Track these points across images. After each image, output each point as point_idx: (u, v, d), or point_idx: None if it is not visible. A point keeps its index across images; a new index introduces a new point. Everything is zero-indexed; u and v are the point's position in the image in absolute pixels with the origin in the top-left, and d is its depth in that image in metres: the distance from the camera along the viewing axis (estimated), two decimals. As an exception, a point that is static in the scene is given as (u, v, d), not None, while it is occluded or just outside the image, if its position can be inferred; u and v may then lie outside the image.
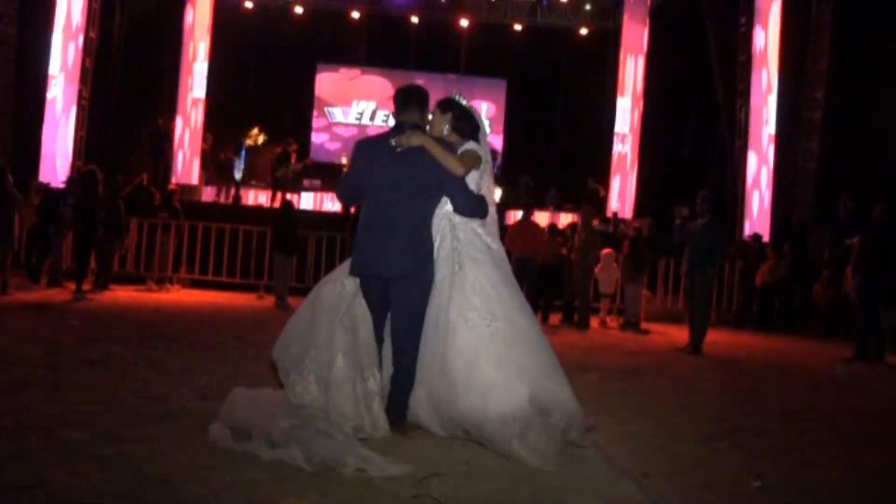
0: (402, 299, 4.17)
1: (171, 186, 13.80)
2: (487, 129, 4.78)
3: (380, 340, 4.25)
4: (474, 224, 4.25)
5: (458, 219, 4.25)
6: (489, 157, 4.45)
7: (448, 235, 4.19)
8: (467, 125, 4.37)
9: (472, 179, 4.26)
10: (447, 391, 3.95)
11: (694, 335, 9.21)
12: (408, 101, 4.37)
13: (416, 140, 4.10)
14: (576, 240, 11.99)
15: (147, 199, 13.65)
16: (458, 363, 3.93)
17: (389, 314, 4.26)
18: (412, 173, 4.15)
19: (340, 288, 4.32)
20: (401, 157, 4.13)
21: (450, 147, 4.24)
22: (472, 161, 4.22)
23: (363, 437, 3.97)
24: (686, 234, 9.61)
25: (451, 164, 4.11)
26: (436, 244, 4.22)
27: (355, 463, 3.52)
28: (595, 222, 16.02)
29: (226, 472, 3.43)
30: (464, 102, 4.43)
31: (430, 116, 4.48)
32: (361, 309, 4.25)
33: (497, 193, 4.56)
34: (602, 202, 18.42)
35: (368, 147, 4.43)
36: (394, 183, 4.18)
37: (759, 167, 16.29)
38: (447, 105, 4.41)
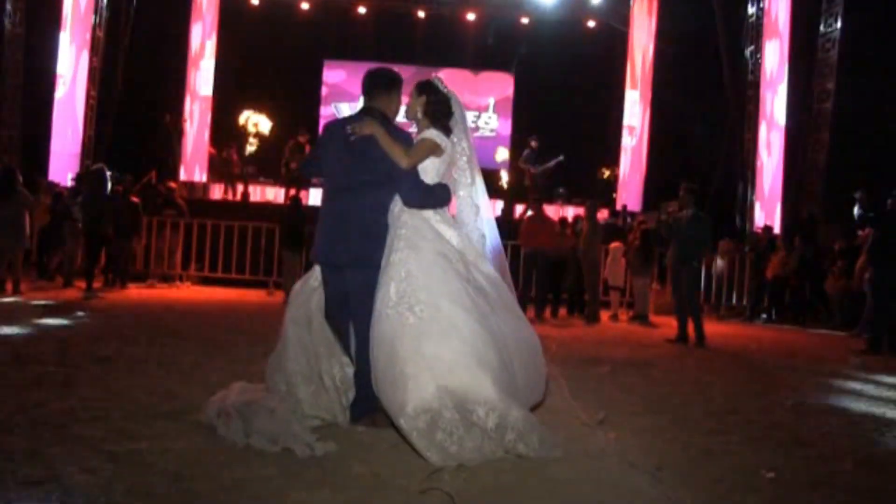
0: (354, 287, 4.11)
1: (171, 184, 13.73)
2: (477, 117, 4.63)
3: (345, 330, 4.19)
4: (427, 212, 4.10)
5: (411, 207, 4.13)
6: (466, 145, 4.29)
7: (396, 222, 4.08)
8: (439, 110, 4.22)
9: (432, 167, 4.14)
10: (374, 383, 3.88)
11: (682, 328, 9.20)
12: (373, 87, 4.32)
13: (367, 129, 4.04)
14: (570, 233, 11.98)
15: (153, 197, 13.69)
16: (380, 354, 3.81)
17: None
18: (363, 161, 4.10)
19: (305, 282, 4.43)
20: (354, 144, 4.08)
21: (402, 137, 4.15)
22: (425, 151, 4.10)
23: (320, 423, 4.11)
24: (671, 227, 9.50)
25: (396, 155, 4.01)
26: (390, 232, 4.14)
27: (285, 441, 3.71)
28: (604, 215, 16.04)
29: (237, 469, 3.43)
30: (442, 87, 4.27)
31: (403, 101, 4.40)
32: (318, 300, 4.29)
33: (478, 183, 4.25)
34: (612, 188, 18.42)
35: (328, 131, 4.40)
36: (345, 170, 4.17)
37: (769, 158, 16.21)
38: (422, 88, 4.26)
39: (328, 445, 3.74)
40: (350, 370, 4.21)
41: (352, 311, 4.13)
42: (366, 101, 4.34)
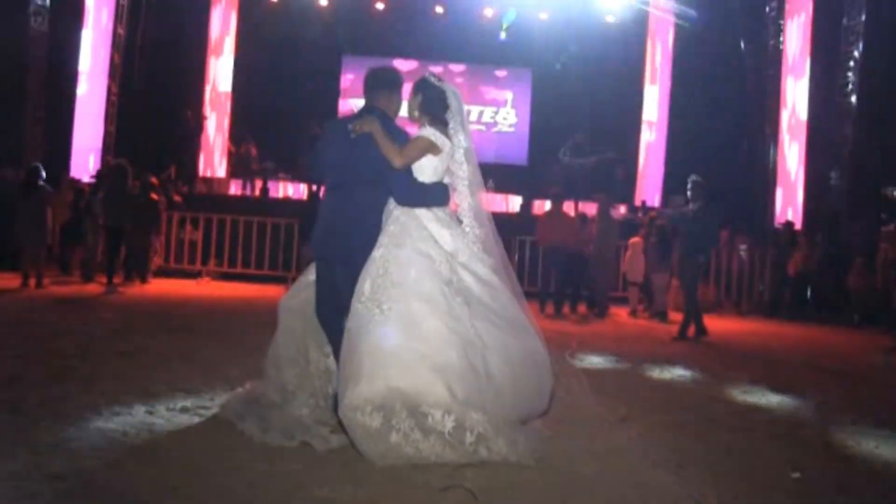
0: (342, 282, 4.10)
1: (152, 179, 13.29)
2: (468, 112, 4.51)
3: (329, 323, 4.18)
4: (420, 210, 4.05)
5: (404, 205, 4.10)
6: (463, 137, 4.20)
7: (388, 219, 4.06)
8: (433, 105, 4.18)
9: (429, 166, 4.09)
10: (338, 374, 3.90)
11: (688, 322, 9.12)
12: (374, 86, 4.33)
13: (367, 126, 4.04)
14: (593, 229, 11.91)
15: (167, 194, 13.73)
16: (345, 346, 3.80)
17: None
18: (361, 159, 4.10)
19: (305, 274, 4.52)
20: (354, 142, 4.08)
21: (400, 136, 4.12)
22: (418, 150, 4.06)
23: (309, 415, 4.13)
24: (678, 220, 9.40)
25: (390, 154, 3.99)
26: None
27: (301, 435, 3.80)
28: (622, 211, 15.95)
29: (259, 463, 3.44)
30: (436, 81, 4.23)
31: (396, 98, 4.38)
32: (311, 292, 4.33)
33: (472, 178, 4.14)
34: (631, 183, 18.33)
35: (331, 127, 4.45)
36: (343, 166, 4.18)
37: (791, 153, 16.06)
38: (417, 87, 4.24)
39: (343, 438, 3.76)
40: (332, 362, 4.22)
41: (338, 305, 4.11)
42: (367, 100, 4.34)
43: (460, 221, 4.18)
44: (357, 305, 3.82)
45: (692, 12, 17.11)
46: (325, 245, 4.24)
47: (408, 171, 4.08)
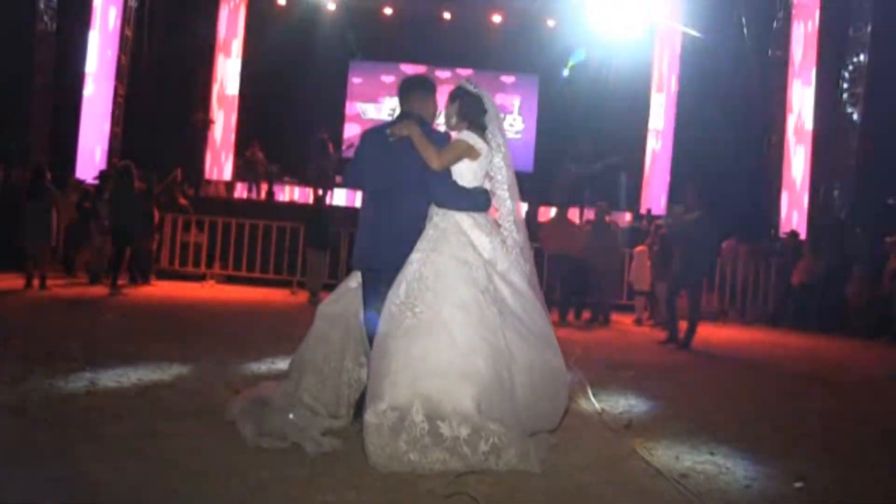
0: (385, 290, 4.05)
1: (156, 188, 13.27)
2: (503, 118, 4.49)
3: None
4: (461, 216, 4.05)
5: (442, 209, 4.09)
6: (502, 142, 4.22)
7: (428, 224, 4.06)
8: (471, 110, 4.17)
9: (468, 170, 4.09)
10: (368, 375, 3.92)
11: (673, 330, 9.12)
12: (409, 91, 4.35)
13: (405, 130, 4.04)
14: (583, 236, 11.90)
15: (173, 197, 13.76)
16: (376, 348, 3.82)
17: None
18: (403, 164, 4.09)
19: (346, 281, 4.50)
20: (394, 148, 4.08)
21: (437, 138, 4.14)
22: (457, 152, 4.05)
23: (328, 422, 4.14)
24: (678, 229, 9.38)
25: (428, 155, 3.99)
26: None
27: (293, 437, 3.80)
28: (626, 219, 15.94)
29: (263, 469, 3.44)
30: (472, 88, 4.23)
31: (431, 102, 4.38)
32: (350, 301, 4.34)
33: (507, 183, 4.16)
34: (636, 191, 18.34)
35: (368, 136, 4.42)
36: (383, 173, 4.18)
37: (797, 164, 16.05)
38: (455, 94, 4.24)
39: (336, 442, 3.79)
40: (366, 372, 4.21)
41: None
42: (402, 107, 4.36)
43: (499, 227, 4.18)
44: (391, 308, 3.83)
45: (696, 33, 17.15)
46: (371, 255, 4.23)
47: (447, 174, 4.08)
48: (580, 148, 15.91)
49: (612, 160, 15.39)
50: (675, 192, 17.70)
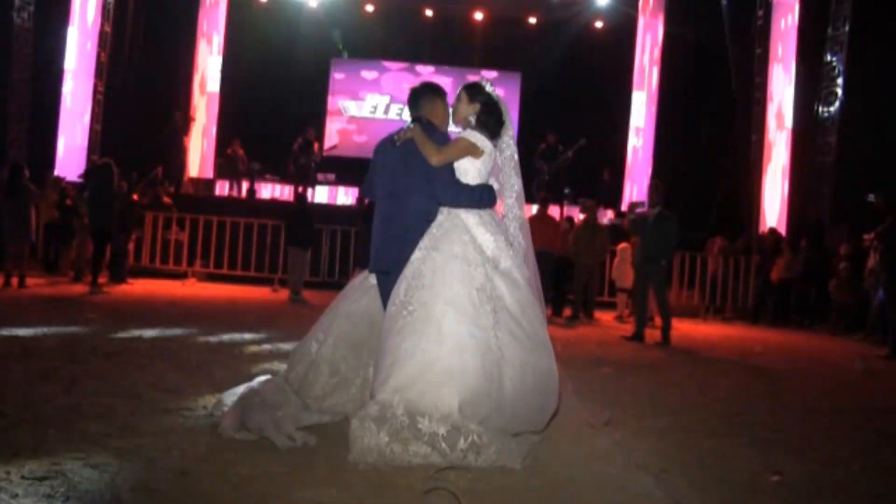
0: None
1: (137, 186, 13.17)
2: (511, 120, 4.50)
3: None
4: (466, 213, 4.06)
5: (447, 208, 4.12)
6: (515, 155, 4.25)
7: (434, 224, 4.09)
8: (491, 119, 4.17)
9: (472, 168, 4.10)
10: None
11: (639, 326, 9.23)
12: (416, 98, 4.41)
13: (409, 133, 4.10)
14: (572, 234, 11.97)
15: (156, 195, 13.68)
16: (377, 351, 3.92)
17: None
18: (409, 166, 4.15)
19: (364, 278, 4.53)
20: (400, 152, 4.15)
21: (441, 138, 4.18)
22: (457, 150, 4.08)
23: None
24: (637, 225, 9.46)
25: (427, 152, 4.04)
26: None
27: (267, 431, 3.79)
28: (609, 216, 16.00)
29: (243, 466, 3.43)
30: (490, 90, 4.23)
31: (440, 105, 4.40)
32: (371, 301, 4.39)
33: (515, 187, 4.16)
34: (618, 188, 18.39)
35: (379, 146, 4.49)
36: (391, 176, 4.27)
37: (776, 161, 16.17)
38: (475, 92, 4.22)
39: (310, 438, 3.80)
40: (356, 372, 4.34)
41: None
42: (412, 113, 4.41)
43: (506, 228, 4.18)
44: (391, 308, 3.89)
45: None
46: (381, 256, 4.29)
47: (450, 172, 4.11)
48: (548, 142, 15.93)
49: (579, 144, 15.37)
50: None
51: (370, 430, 3.55)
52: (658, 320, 10.70)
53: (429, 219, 4.12)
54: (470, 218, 4.05)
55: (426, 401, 3.60)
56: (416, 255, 3.98)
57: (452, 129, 4.42)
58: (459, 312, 3.77)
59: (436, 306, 3.78)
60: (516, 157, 4.26)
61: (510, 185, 4.23)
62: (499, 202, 4.24)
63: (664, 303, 9.23)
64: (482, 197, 4.13)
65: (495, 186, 4.22)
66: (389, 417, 3.56)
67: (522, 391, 3.80)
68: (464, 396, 3.63)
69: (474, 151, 4.09)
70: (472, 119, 4.19)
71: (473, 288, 3.85)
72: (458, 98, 4.26)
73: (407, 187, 4.20)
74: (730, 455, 4.23)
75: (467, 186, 4.12)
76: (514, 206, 4.22)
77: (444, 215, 4.08)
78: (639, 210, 10.51)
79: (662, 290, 9.28)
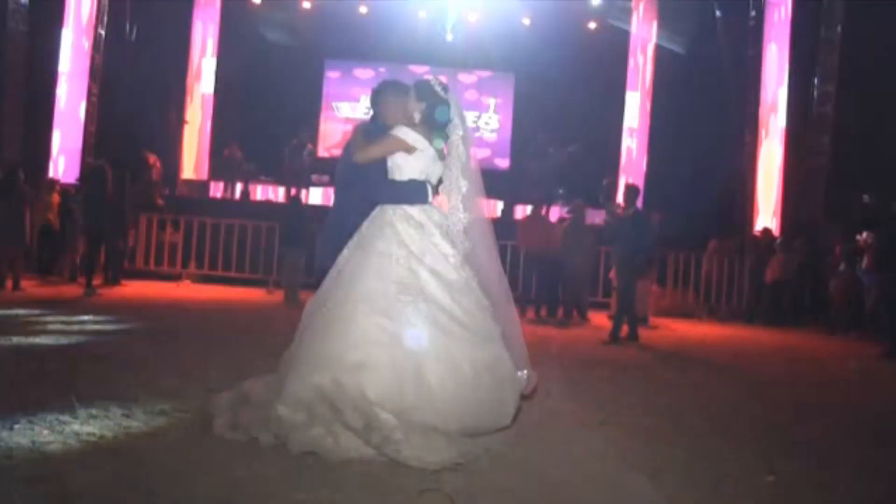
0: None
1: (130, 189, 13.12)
2: (478, 117, 4.46)
3: None
4: (392, 209, 4.06)
5: (380, 205, 4.13)
6: (463, 151, 4.15)
7: (365, 222, 4.13)
8: (439, 122, 4.13)
9: (405, 164, 4.10)
10: None
11: (616, 328, 9.19)
12: (374, 99, 4.51)
13: (350, 135, 4.32)
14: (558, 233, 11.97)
15: (151, 197, 13.67)
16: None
17: None
18: (345, 165, 4.38)
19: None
20: (347, 153, 4.32)
21: (377, 135, 4.21)
22: (382, 148, 4.10)
23: None
24: (614, 227, 9.52)
25: (354, 150, 4.20)
26: None
27: (255, 431, 3.78)
28: (601, 217, 15.99)
29: (237, 467, 3.43)
30: (441, 91, 4.17)
31: (391, 103, 4.37)
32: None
33: (463, 188, 4.10)
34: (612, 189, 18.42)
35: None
36: (340, 178, 4.57)
37: (770, 162, 16.20)
38: (422, 91, 4.20)
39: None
40: None
41: None
42: (374, 112, 4.52)
43: (445, 218, 4.14)
44: (310, 307, 4.01)
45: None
46: (323, 253, 4.45)
47: (379, 169, 4.15)
48: (538, 141, 15.98)
49: (569, 150, 15.41)
50: (651, 191, 17.84)
51: (303, 428, 3.61)
52: (652, 320, 10.75)
53: (357, 213, 4.20)
54: (397, 214, 4.06)
55: (339, 393, 3.63)
56: (344, 253, 4.07)
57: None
58: (371, 307, 3.80)
59: (348, 303, 3.84)
60: (467, 159, 4.17)
61: (457, 187, 4.16)
62: (443, 200, 4.22)
63: (628, 302, 9.26)
64: (410, 194, 4.12)
65: (434, 184, 4.20)
66: (319, 417, 3.61)
67: (458, 384, 3.74)
68: (378, 390, 3.65)
69: (405, 147, 4.08)
70: (417, 117, 4.19)
71: (392, 282, 3.86)
72: (408, 96, 4.26)
73: (342, 184, 4.50)
74: (724, 455, 4.24)
75: (396, 184, 4.13)
76: (459, 208, 4.14)
77: (376, 212, 4.13)
78: (613, 210, 10.57)
79: (629, 290, 9.31)
